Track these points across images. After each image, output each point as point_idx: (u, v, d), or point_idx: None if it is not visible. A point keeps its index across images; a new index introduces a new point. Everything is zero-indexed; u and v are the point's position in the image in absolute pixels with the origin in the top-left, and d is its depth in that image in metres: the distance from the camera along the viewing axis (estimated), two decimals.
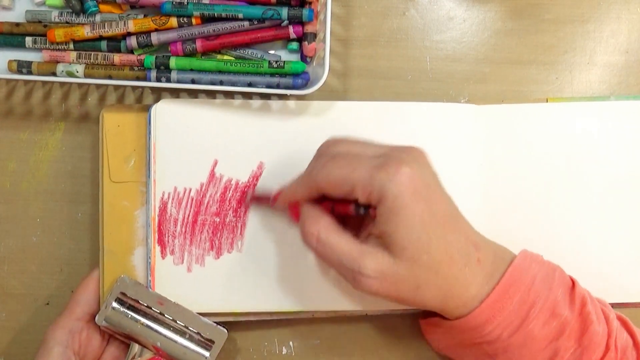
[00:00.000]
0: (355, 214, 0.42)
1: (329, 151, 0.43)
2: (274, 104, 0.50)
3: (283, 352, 0.52)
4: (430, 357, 0.52)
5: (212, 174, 0.49)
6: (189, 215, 0.49)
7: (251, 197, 0.49)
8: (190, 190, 0.49)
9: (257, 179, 0.49)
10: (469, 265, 0.41)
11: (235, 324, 0.50)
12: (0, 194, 0.53)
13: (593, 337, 0.42)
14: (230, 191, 0.49)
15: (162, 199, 0.49)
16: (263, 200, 0.49)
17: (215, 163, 0.49)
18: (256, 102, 0.51)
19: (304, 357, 0.52)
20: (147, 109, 0.50)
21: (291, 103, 0.51)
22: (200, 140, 0.49)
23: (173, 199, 0.49)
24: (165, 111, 0.49)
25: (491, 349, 0.43)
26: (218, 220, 0.49)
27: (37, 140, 0.53)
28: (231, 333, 0.51)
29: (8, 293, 0.53)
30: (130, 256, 0.49)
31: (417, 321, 0.51)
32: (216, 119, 0.50)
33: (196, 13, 0.50)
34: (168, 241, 0.49)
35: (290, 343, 0.52)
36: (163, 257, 0.49)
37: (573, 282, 0.44)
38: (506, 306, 0.41)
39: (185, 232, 0.49)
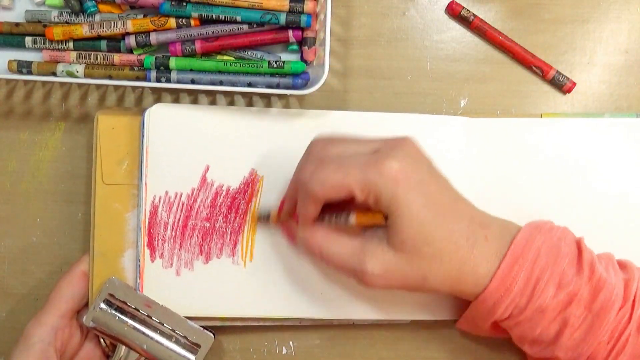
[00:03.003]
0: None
1: (317, 153, 0.43)
2: (269, 111, 0.50)
3: (283, 352, 0.52)
4: (429, 357, 0.52)
5: (204, 180, 0.49)
6: (179, 220, 0.49)
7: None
8: (181, 194, 0.49)
9: (248, 186, 0.50)
10: (476, 245, 0.41)
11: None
12: (0, 194, 0.53)
13: (605, 302, 0.41)
14: (221, 197, 0.49)
15: (153, 202, 0.49)
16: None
17: (207, 169, 0.49)
18: (250, 109, 0.51)
19: (304, 357, 0.52)
20: (142, 112, 0.50)
21: (285, 111, 0.51)
22: (193, 145, 0.49)
23: (164, 203, 0.49)
24: (159, 115, 0.49)
25: (504, 324, 0.44)
26: (208, 225, 0.49)
27: (37, 140, 0.53)
28: (231, 333, 0.51)
29: (8, 293, 0.53)
30: (120, 258, 0.49)
31: (416, 321, 0.51)
32: (209, 125, 0.50)
33: (195, 14, 0.50)
34: (158, 245, 0.49)
35: (290, 343, 0.52)
36: (152, 261, 0.49)
37: (579, 248, 0.43)
38: (512, 286, 0.41)
39: (175, 236, 0.49)
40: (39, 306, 0.52)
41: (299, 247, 0.46)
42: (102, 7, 0.52)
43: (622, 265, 0.45)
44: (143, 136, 0.49)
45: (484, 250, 0.41)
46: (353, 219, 0.43)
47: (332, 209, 0.44)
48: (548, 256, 0.42)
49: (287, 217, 0.47)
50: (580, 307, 0.42)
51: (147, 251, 0.49)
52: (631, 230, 0.51)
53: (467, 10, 0.54)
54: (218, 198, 0.50)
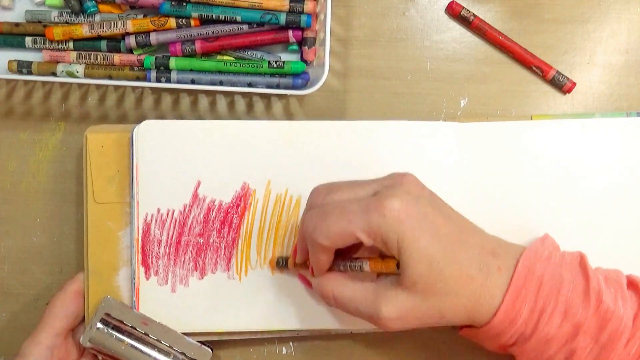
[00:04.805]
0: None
1: (319, 203, 0.43)
2: (258, 123, 0.50)
3: (283, 352, 0.52)
4: (429, 356, 0.52)
5: (196, 195, 0.49)
6: (172, 237, 0.49)
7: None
8: (173, 211, 0.49)
9: (240, 200, 0.49)
10: (490, 276, 0.41)
11: None
12: (0, 194, 0.53)
13: (612, 333, 0.40)
14: (214, 212, 0.49)
15: (146, 220, 0.49)
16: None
17: (199, 184, 0.49)
18: (239, 122, 0.50)
19: (304, 357, 0.52)
20: (130, 129, 0.49)
21: (275, 123, 0.50)
22: (183, 161, 0.49)
23: (156, 220, 0.49)
24: (147, 132, 0.49)
25: (510, 350, 0.43)
26: (202, 241, 0.49)
27: (37, 140, 0.53)
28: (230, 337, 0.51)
29: (8, 293, 0.53)
30: (114, 276, 0.49)
31: None
32: (198, 140, 0.49)
33: (195, 14, 0.50)
34: (152, 262, 0.49)
35: (290, 343, 0.52)
36: (147, 278, 0.49)
37: (586, 275, 0.42)
38: (517, 319, 0.41)
39: (169, 253, 0.49)
40: (39, 306, 0.52)
41: (315, 293, 0.46)
42: (102, 7, 0.52)
43: (633, 285, 0.44)
44: (132, 153, 0.49)
45: (498, 281, 0.41)
46: (367, 267, 0.43)
47: (347, 253, 0.44)
48: (551, 285, 0.41)
49: (301, 266, 0.47)
50: (587, 338, 0.41)
51: (142, 269, 0.49)
52: (627, 230, 0.51)
53: (467, 10, 0.54)
54: (211, 213, 0.49)
